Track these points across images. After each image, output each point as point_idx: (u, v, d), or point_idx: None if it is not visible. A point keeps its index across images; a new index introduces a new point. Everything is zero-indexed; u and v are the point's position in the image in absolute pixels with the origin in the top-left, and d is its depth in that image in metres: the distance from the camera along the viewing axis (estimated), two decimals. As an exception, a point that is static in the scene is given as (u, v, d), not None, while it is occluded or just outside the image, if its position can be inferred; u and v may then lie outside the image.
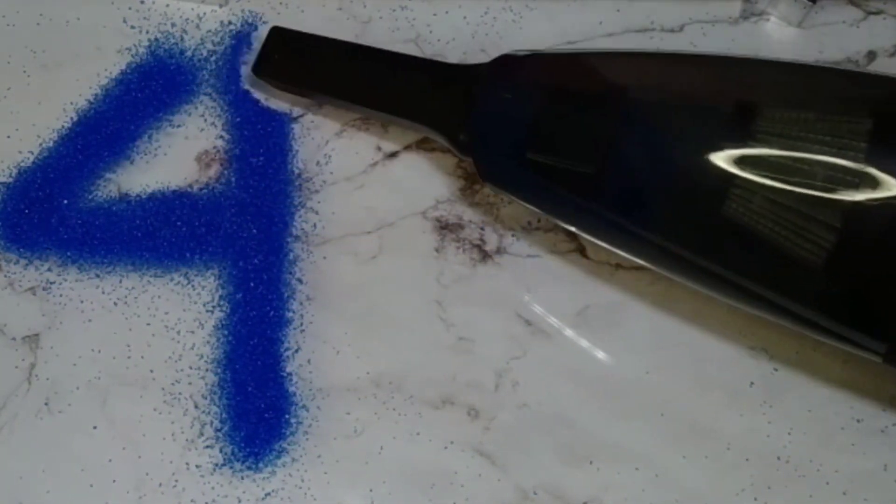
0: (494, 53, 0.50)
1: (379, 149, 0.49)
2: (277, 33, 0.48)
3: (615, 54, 0.43)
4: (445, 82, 0.45)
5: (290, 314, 0.46)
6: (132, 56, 0.50)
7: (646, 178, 0.39)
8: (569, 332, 0.46)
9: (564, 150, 0.40)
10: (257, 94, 0.49)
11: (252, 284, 0.46)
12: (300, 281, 0.47)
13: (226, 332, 0.45)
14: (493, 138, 0.42)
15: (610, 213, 0.40)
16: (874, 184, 0.35)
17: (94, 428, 0.44)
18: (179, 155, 0.49)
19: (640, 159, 0.39)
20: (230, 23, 0.51)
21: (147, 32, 0.51)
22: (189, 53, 0.50)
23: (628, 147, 0.39)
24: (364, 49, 0.47)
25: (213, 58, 0.50)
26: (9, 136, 0.49)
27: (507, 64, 0.43)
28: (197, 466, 0.44)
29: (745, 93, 0.39)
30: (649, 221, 0.40)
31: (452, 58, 0.51)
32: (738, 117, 0.37)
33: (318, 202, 0.48)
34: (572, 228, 0.43)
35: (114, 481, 0.44)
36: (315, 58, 0.47)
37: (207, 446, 0.44)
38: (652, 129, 0.39)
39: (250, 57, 0.49)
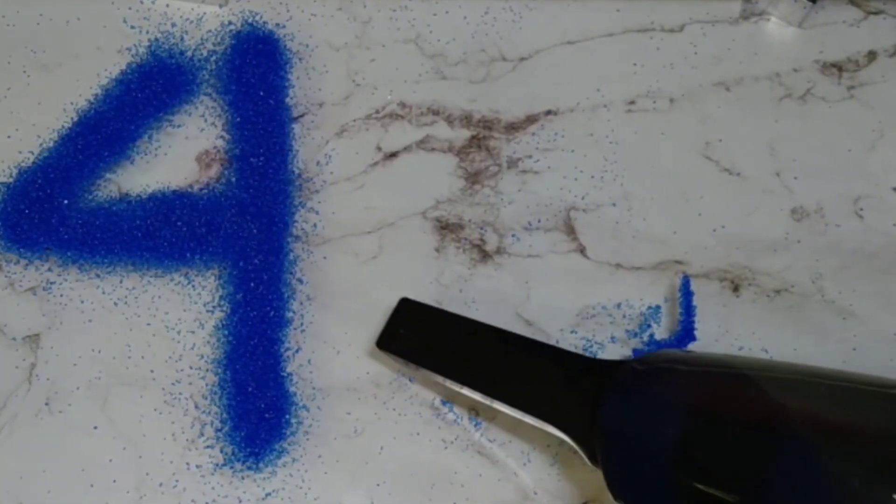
0: (495, 53, 0.50)
1: (379, 149, 0.49)
2: (406, 306, 0.44)
3: (767, 374, 0.37)
4: (576, 379, 0.40)
5: (291, 314, 0.46)
6: (132, 56, 0.50)
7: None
8: (569, 332, 0.46)
9: (708, 477, 0.35)
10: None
11: (252, 284, 0.46)
12: (300, 281, 0.47)
13: (226, 333, 0.46)
14: (627, 453, 0.37)
15: None
16: None
17: (95, 428, 0.44)
18: (180, 155, 0.49)
19: (791, 497, 0.33)
20: (230, 23, 0.51)
21: (147, 32, 0.51)
22: (189, 53, 0.50)
23: (779, 483, 0.33)
24: (492, 331, 0.43)
25: (214, 58, 0.50)
26: (9, 136, 0.49)
27: (643, 371, 0.38)
28: (197, 466, 0.44)
29: None
30: None
31: (453, 57, 0.51)
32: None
33: (319, 202, 0.48)
34: None
35: (114, 481, 0.44)
36: (441, 335, 0.43)
37: (208, 446, 0.44)
38: (807, 467, 0.33)
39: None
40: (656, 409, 0.37)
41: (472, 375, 0.42)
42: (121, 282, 0.47)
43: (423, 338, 0.43)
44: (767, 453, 0.34)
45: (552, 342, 0.46)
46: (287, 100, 0.50)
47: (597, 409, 0.38)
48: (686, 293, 0.45)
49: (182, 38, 0.51)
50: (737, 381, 0.37)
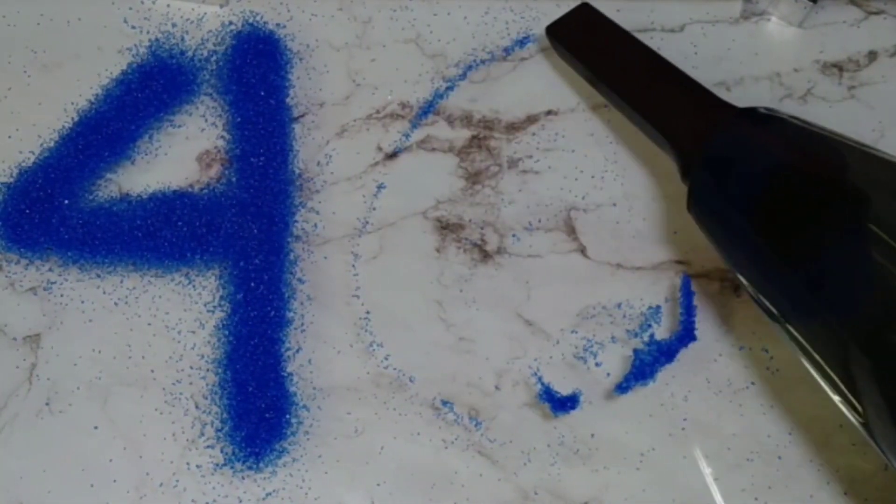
0: (495, 53, 0.50)
1: (380, 149, 0.49)
2: (585, 9, 0.50)
3: (861, 150, 0.40)
4: (700, 108, 0.45)
5: (291, 314, 0.46)
6: (133, 56, 0.50)
7: (848, 279, 0.37)
8: (569, 332, 0.46)
9: (779, 225, 0.39)
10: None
11: (253, 284, 0.46)
12: (301, 281, 0.47)
13: (226, 333, 0.46)
14: (715, 182, 0.42)
15: (802, 292, 0.39)
16: None
17: (95, 428, 0.45)
18: (180, 155, 0.49)
19: (850, 265, 0.37)
20: (231, 23, 0.51)
21: (148, 32, 0.51)
22: (190, 53, 0.50)
23: (844, 248, 0.37)
24: (648, 52, 0.48)
25: (214, 58, 0.50)
26: (9, 137, 0.49)
27: (755, 118, 0.43)
28: (198, 466, 0.44)
29: None
30: (843, 317, 0.37)
31: (453, 57, 0.51)
32: None
33: (319, 202, 0.48)
34: (745, 282, 0.42)
35: (114, 481, 0.44)
36: (605, 43, 0.49)
37: (208, 446, 0.44)
38: (866, 241, 0.37)
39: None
40: (756, 153, 0.42)
41: (615, 78, 0.48)
42: (121, 282, 0.47)
43: (590, 40, 0.49)
44: (840, 219, 0.38)
45: (552, 342, 0.46)
46: (287, 100, 0.50)
47: (707, 134, 0.43)
48: (686, 293, 0.45)
49: (183, 39, 0.51)
50: (835, 149, 0.40)
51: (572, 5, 0.51)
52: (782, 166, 0.41)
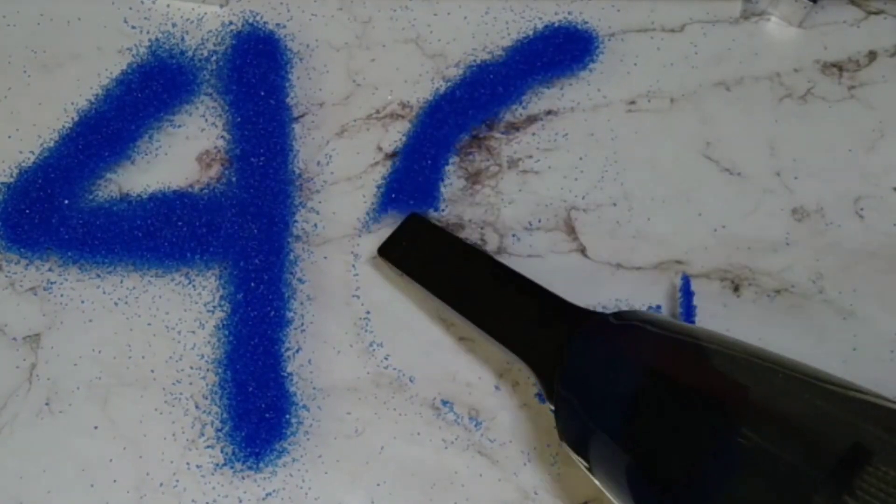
0: (496, 53, 0.50)
1: (380, 149, 0.49)
2: (413, 221, 0.46)
3: (731, 352, 0.36)
4: (551, 318, 0.41)
5: (291, 314, 0.46)
6: (133, 56, 0.50)
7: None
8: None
9: (652, 438, 0.35)
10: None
11: (253, 284, 0.46)
12: (301, 281, 0.47)
13: (226, 332, 0.46)
14: (582, 398, 0.37)
15: None
16: None
17: (95, 428, 0.45)
18: (180, 155, 0.49)
19: (734, 480, 0.33)
20: (231, 23, 0.51)
21: (148, 32, 0.51)
22: (190, 53, 0.50)
23: (714, 460, 0.33)
24: (486, 259, 0.45)
25: (214, 58, 0.50)
26: (10, 136, 0.49)
27: (611, 328, 0.39)
28: (198, 466, 0.44)
29: (865, 440, 0.32)
30: None
31: (453, 57, 0.51)
32: (846, 468, 0.31)
33: (319, 202, 0.48)
34: None
35: (114, 481, 0.44)
36: (438, 254, 0.45)
37: (208, 446, 0.44)
38: (742, 450, 0.33)
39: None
40: (618, 362, 0.37)
41: (455, 295, 0.44)
42: (121, 282, 0.47)
43: (421, 253, 0.45)
44: (709, 429, 0.34)
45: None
46: (287, 100, 0.50)
47: (563, 350, 0.39)
48: (686, 293, 0.45)
49: (183, 39, 0.51)
50: (698, 352, 0.37)
51: (572, 6, 0.51)
52: (642, 381, 0.36)
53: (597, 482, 0.37)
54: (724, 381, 0.35)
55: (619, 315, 0.39)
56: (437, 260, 0.45)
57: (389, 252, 0.45)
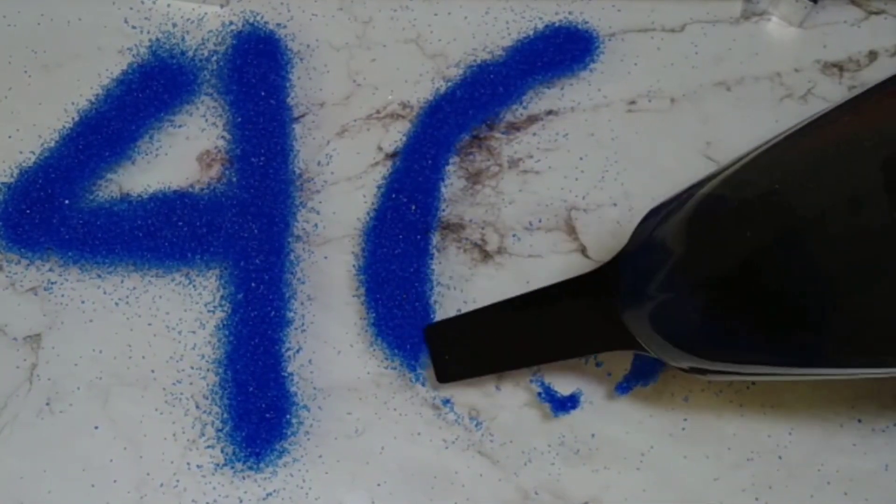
0: (497, 53, 0.50)
1: (380, 149, 0.49)
2: (434, 332, 0.44)
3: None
4: (594, 294, 0.41)
5: (292, 314, 0.46)
6: (133, 56, 0.50)
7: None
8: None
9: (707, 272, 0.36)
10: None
11: (253, 284, 0.46)
12: (301, 281, 0.47)
13: (227, 332, 0.46)
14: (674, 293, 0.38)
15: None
16: None
17: (96, 428, 0.45)
18: (181, 155, 0.49)
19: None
20: (231, 23, 0.51)
21: (148, 32, 0.51)
22: (190, 53, 0.50)
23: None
24: (508, 304, 0.43)
25: (215, 58, 0.50)
26: (10, 137, 0.49)
27: (642, 243, 0.40)
28: (198, 466, 0.44)
29: None
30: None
31: (454, 57, 0.51)
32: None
33: (320, 202, 0.48)
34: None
35: (115, 481, 0.44)
36: (480, 337, 0.44)
37: (208, 446, 0.44)
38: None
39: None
40: (660, 253, 0.38)
41: (523, 352, 0.43)
42: (122, 282, 0.47)
43: (464, 351, 0.44)
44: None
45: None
46: (288, 100, 0.50)
47: (617, 313, 0.39)
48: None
49: (183, 39, 0.51)
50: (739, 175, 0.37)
51: (572, 6, 0.51)
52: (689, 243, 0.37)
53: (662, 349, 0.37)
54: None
55: (632, 240, 0.40)
56: (484, 343, 0.44)
57: (446, 374, 0.44)
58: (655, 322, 0.38)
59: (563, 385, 0.45)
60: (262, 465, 0.44)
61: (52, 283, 0.47)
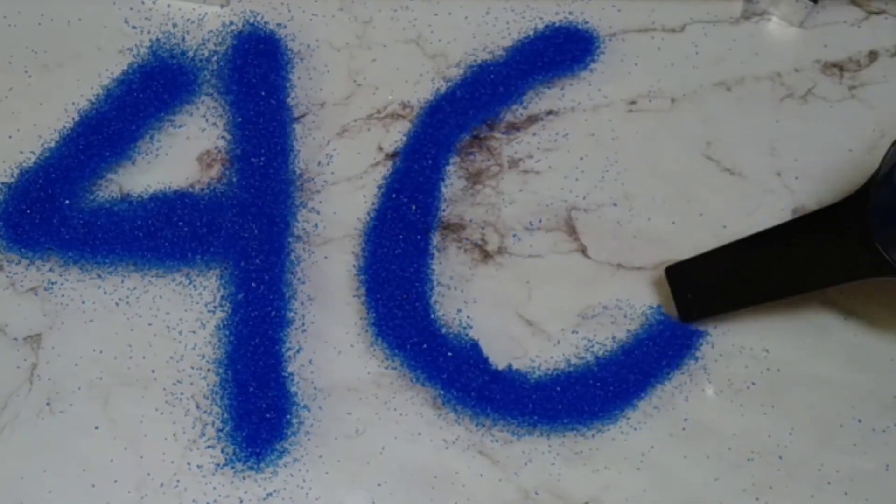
0: (497, 53, 0.50)
1: (380, 149, 0.49)
2: (674, 272, 0.45)
3: None
4: (842, 223, 0.41)
5: (292, 314, 0.46)
6: (134, 56, 0.50)
7: None
8: (570, 333, 0.46)
9: None
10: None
11: (253, 284, 0.46)
12: (301, 281, 0.47)
13: (227, 333, 0.46)
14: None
15: None
16: None
17: (96, 428, 0.45)
18: (181, 155, 0.49)
19: None
20: (232, 23, 0.51)
21: (148, 33, 0.51)
22: (191, 54, 0.50)
23: None
24: (750, 243, 0.44)
25: (215, 58, 0.50)
26: (10, 137, 0.49)
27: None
28: (198, 466, 0.44)
29: None
30: None
31: (454, 57, 0.51)
32: None
33: (320, 202, 0.48)
34: None
35: (115, 481, 0.44)
36: (719, 277, 0.45)
37: (209, 446, 0.44)
38: None
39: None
40: None
41: (766, 290, 0.43)
42: (122, 282, 0.47)
43: (707, 289, 0.45)
44: None
45: (553, 342, 0.46)
46: (288, 100, 0.50)
47: (870, 240, 0.39)
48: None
49: (183, 39, 0.51)
50: None
51: (573, 6, 0.51)
52: None
53: None
54: None
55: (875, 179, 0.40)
56: (724, 281, 0.44)
57: (691, 312, 0.45)
58: None
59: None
60: (262, 465, 0.44)
61: (53, 283, 0.47)
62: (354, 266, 0.47)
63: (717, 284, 0.45)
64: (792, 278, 0.43)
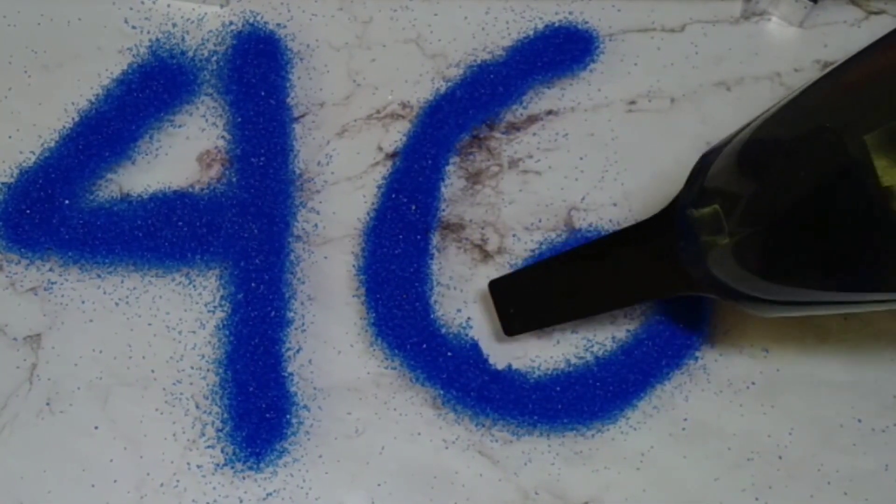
0: (497, 53, 0.50)
1: (380, 149, 0.49)
2: (497, 286, 0.45)
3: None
4: (650, 241, 0.42)
5: (292, 314, 0.46)
6: (133, 56, 0.50)
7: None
8: (570, 332, 0.46)
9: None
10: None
11: (253, 284, 0.46)
12: (301, 281, 0.47)
13: (227, 333, 0.46)
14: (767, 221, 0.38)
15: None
16: None
17: (96, 428, 0.45)
18: (181, 155, 0.49)
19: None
20: (231, 23, 0.51)
21: (148, 32, 0.51)
22: (190, 53, 0.50)
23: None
24: (568, 255, 0.44)
25: (215, 58, 0.50)
26: (10, 137, 0.49)
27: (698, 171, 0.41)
28: (198, 466, 0.44)
29: None
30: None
31: (454, 57, 0.51)
32: None
33: (320, 202, 0.48)
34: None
35: (115, 481, 0.44)
36: (544, 289, 0.45)
37: (209, 446, 0.44)
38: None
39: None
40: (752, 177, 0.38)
41: (585, 305, 0.44)
42: (122, 282, 0.47)
43: (528, 303, 0.45)
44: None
45: (553, 343, 0.46)
46: (288, 100, 0.50)
47: (678, 257, 0.40)
48: (687, 293, 0.45)
49: (183, 39, 0.51)
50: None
51: (572, 6, 0.51)
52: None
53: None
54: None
55: (689, 188, 0.40)
56: (547, 295, 0.45)
57: (513, 327, 0.45)
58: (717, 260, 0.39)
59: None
60: (262, 465, 0.44)
61: (52, 283, 0.47)
62: (354, 266, 0.47)
63: (538, 299, 0.45)
64: (607, 294, 0.43)
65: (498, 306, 0.45)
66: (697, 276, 0.40)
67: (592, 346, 0.46)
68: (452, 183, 0.49)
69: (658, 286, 0.42)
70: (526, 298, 0.45)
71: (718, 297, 0.40)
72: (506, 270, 0.47)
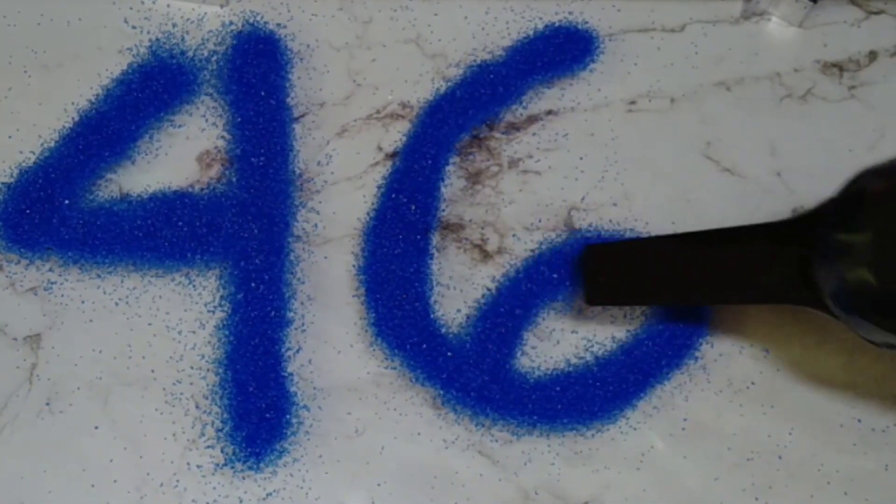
0: (496, 53, 0.50)
1: (380, 149, 0.49)
2: (592, 253, 0.43)
3: None
4: (781, 244, 0.39)
5: (292, 314, 0.46)
6: (133, 56, 0.50)
7: None
8: (569, 332, 0.46)
9: None
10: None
11: (253, 284, 0.46)
12: (301, 281, 0.47)
13: (227, 333, 0.46)
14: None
15: None
16: None
17: (96, 428, 0.45)
18: (180, 155, 0.49)
19: None
20: (231, 23, 0.51)
21: (148, 33, 0.51)
22: (190, 53, 0.50)
23: None
24: (681, 240, 0.43)
25: (215, 58, 0.50)
26: (10, 137, 0.49)
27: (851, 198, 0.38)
28: (198, 466, 0.44)
29: None
30: None
31: (454, 57, 0.51)
32: None
33: (320, 202, 0.48)
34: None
35: (115, 481, 0.44)
36: (639, 267, 0.43)
37: (208, 446, 0.44)
38: None
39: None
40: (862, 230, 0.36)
41: (687, 290, 0.42)
42: (122, 282, 0.47)
43: (624, 277, 0.43)
44: None
45: (552, 342, 0.46)
46: (288, 100, 0.50)
47: (810, 269, 0.37)
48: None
49: (183, 38, 0.51)
50: None
51: (572, 6, 0.51)
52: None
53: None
54: None
55: (836, 200, 0.38)
56: (643, 272, 0.43)
57: (597, 297, 0.44)
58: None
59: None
60: (262, 465, 0.44)
61: (52, 283, 0.47)
62: (354, 266, 0.47)
63: (634, 274, 0.43)
64: (716, 286, 0.41)
65: (587, 273, 0.43)
66: (829, 292, 0.37)
67: (592, 346, 0.46)
68: (452, 183, 0.49)
69: (780, 293, 0.39)
70: (621, 271, 0.43)
71: (842, 323, 0.38)
72: (505, 270, 0.47)
